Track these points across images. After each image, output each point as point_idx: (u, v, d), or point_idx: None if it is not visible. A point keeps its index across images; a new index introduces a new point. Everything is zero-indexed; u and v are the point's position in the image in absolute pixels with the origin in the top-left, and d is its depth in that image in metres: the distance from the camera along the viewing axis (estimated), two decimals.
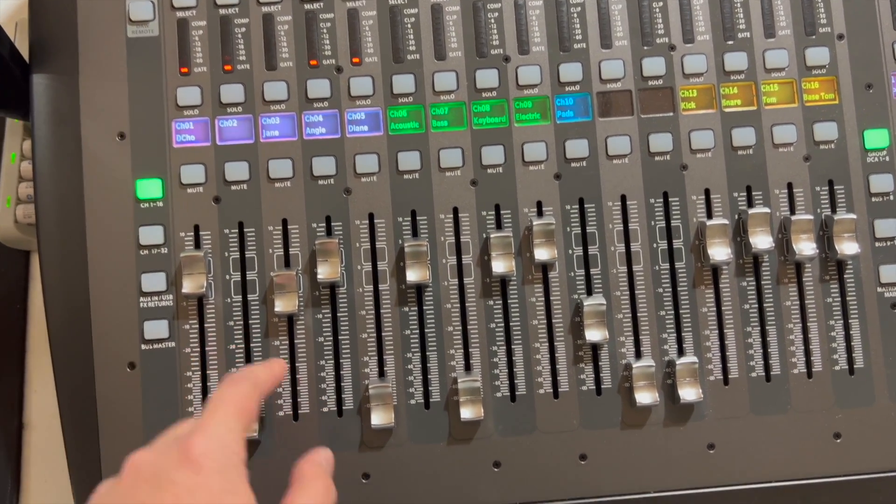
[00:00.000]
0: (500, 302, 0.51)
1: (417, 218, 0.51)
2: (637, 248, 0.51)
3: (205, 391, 0.49)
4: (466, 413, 0.49)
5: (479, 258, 0.51)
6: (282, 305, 0.49)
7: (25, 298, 0.56)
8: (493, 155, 0.51)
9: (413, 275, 0.49)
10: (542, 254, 0.50)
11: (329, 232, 0.50)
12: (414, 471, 0.50)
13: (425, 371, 0.50)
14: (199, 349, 0.50)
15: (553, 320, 0.51)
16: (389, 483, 0.49)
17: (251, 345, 0.50)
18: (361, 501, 0.49)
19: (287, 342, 0.50)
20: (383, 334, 0.50)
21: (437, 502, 0.49)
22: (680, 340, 0.51)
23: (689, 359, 0.50)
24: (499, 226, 0.51)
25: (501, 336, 0.50)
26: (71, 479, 0.49)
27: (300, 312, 0.50)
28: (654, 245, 0.51)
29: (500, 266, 0.50)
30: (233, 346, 0.50)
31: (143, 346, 0.49)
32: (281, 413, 0.49)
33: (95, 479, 0.48)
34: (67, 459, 0.49)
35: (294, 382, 0.50)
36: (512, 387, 0.50)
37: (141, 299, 0.50)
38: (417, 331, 0.50)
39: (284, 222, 0.50)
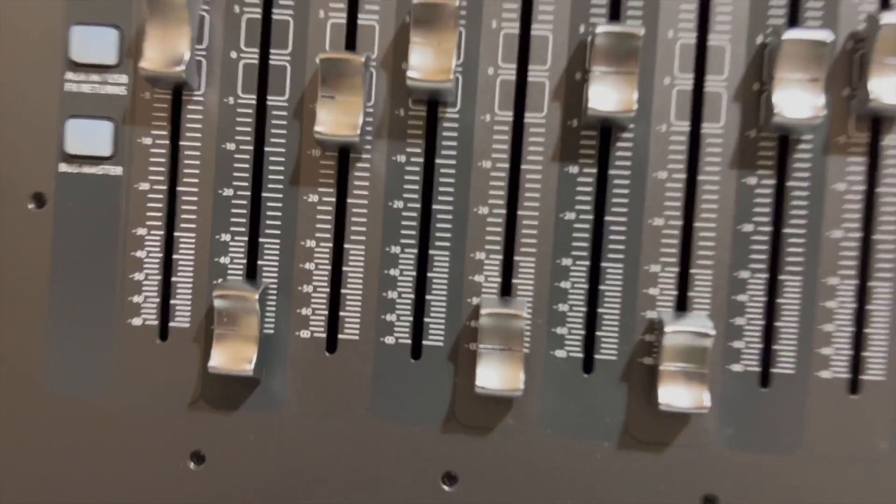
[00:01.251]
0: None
1: None
2: None
3: (167, 267, 0.26)
4: (673, 395, 0.24)
5: None
6: (330, 123, 0.24)
7: None
8: None
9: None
10: None
11: None
12: (546, 483, 0.25)
13: (594, 297, 0.25)
14: (165, 186, 0.26)
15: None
16: (490, 497, 0.25)
17: (263, 193, 0.25)
18: None
19: (332, 199, 0.25)
20: (520, 213, 0.25)
21: None
22: None
23: None
24: None
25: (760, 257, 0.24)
26: None
27: (365, 141, 0.25)
28: None
29: None
30: (230, 192, 0.25)
31: (63, 168, 0.26)
32: (304, 333, 0.25)
33: None
34: None
35: (335, 279, 0.25)
36: (766, 358, 0.25)
37: (67, 76, 0.26)
38: (590, 216, 0.25)
39: None
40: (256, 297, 0.24)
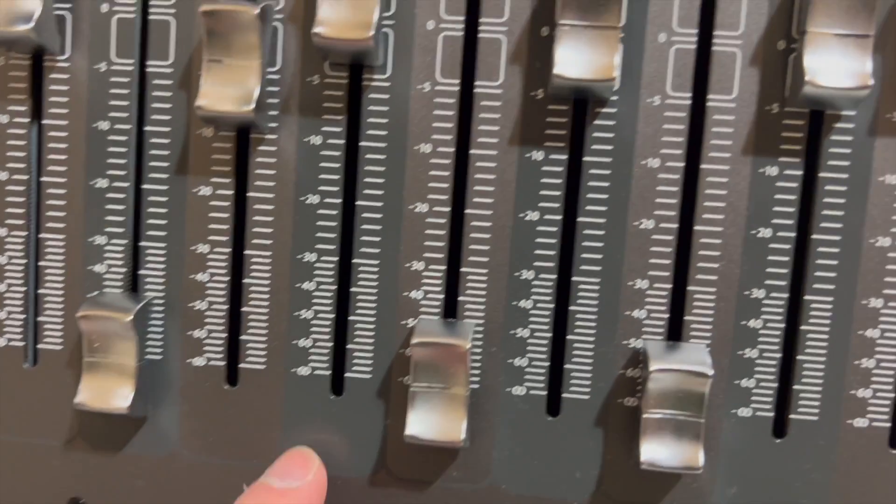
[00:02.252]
0: None
1: None
2: None
3: (33, 276, 0.21)
4: (658, 450, 0.19)
5: None
6: (215, 95, 0.19)
7: None
8: None
9: None
10: None
11: None
12: None
13: (563, 320, 0.19)
14: (26, 176, 0.20)
15: None
16: None
17: (145, 185, 0.20)
18: None
19: (230, 192, 0.20)
20: (468, 212, 0.19)
21: None
22: None
23: None
24: None
25: None
26: None
27: (268, 118, 0.19)
28: None
29: None
30: (104, 183, 0.20)
31: None
32: (198, 361, 0.20)
33: None
34: None
35: (235, 294, 0.20)
36: (782, 401, 0.19)
37: None
38: (558, 216, 0.19)
39: None
40: (130, 318, 0.19)
